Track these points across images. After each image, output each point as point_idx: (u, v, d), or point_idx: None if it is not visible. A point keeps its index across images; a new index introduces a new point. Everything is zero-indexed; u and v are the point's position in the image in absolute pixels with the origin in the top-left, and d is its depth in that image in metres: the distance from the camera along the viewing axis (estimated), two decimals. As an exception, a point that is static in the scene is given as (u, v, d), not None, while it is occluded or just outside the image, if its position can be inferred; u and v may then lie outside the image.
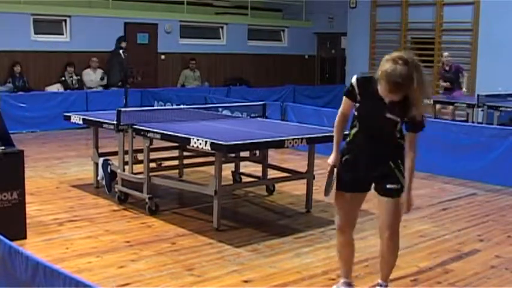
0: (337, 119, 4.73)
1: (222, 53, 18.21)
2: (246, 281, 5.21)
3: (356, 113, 4.59)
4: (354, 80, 4.51)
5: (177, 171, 8.78)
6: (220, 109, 10.30)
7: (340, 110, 4.70)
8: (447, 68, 13.95)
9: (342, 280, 4.92)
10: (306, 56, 20.53)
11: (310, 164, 7.42)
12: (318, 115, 11.39)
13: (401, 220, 4.77)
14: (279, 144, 7.04)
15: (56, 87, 14.85)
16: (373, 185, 4.72)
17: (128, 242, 6.14)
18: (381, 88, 4.22)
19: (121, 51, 14.60)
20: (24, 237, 6.07)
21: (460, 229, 6.87)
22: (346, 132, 4.77)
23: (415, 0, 16.98)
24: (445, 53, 14.25)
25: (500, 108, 11.68)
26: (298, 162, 9.35)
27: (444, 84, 14.13)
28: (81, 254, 5.77)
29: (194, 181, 8.23)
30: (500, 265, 5.75)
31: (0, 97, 12.71)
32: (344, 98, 4.61)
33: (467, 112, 12.84)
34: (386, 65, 4.15)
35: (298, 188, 8.08)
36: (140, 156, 7.75)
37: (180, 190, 8.13)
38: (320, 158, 9.77)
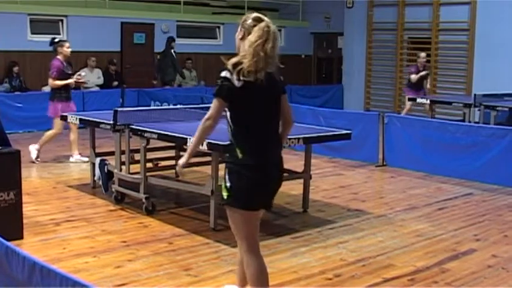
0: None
1: (219, 52, 18.10)
2: (242, 281, 5.21)
3: None
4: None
5: (173, 171, 8.75)
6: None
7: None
8: (421, 69, 13.97)
9: None
10: (303, 56, 20.53)
11: (307, 164, 7.42)
12: (314, 115, 11.40)
13: (238, 233, 4.29)
14: (276, 144, 7.02)
15: (53, 87, 14.81)
16: None
17: (125, 242, 6.14)
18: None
19: (172, 51, 15.75)
20: (21, 238, 6.07)
21: (456, 229, 6.88)
22: None
23: (411, 0, 17.00)
24: (422, 54, 14.25)
25: (497, 108, 11.69)
26: (295, 162, 9.33)
27: (415, 77, 14.04)
28: (78, 254, 5.76)
29: (191, 181, 8.21)
30: (497, 264, 5.76)
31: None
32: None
33: (464, 112, 12.85)
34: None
35: (295, 187, 8.08)
36: (137, 156, 7.74)
37: (177, 190, 8.13)
38: (317, 157, 9.83)
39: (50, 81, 9.94)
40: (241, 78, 4.05)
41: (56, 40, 10.34)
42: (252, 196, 4.14)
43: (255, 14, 4.29)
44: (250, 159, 4.10)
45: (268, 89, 4.14)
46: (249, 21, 4.25)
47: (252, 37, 4.11)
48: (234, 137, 4.18)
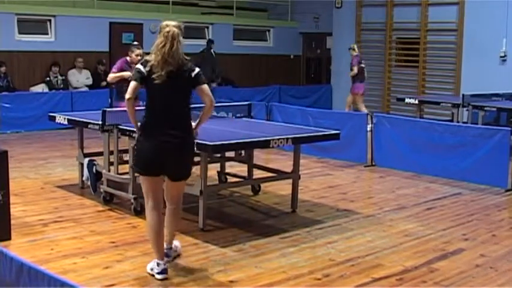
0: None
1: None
2: (231, 281, 5.21)
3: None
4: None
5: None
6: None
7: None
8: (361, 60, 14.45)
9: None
10: (292, 56, 20.54)
11: (296, 164, 7.42)
12: (303, 115, 11.41)
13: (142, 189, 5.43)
14: (265, 144, 7.03)
15: (41, 88, 14.77)
16: None
17: (113, 242, 6.12)
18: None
19: (212, 51, 16.65)
20: (9, 238, 6.04)
21: (445, 228, 6.90)
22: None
23: (400, 0, 17.03)
24: (355, 45, 14.88)
25: (485, 108, 11.74)
26: (284, 162, 9.36)
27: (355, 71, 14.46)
28: (66, 254, 5.74)
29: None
30: (485, 264, 5.79)
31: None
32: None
33: (452, 112, 12.89)
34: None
35: (284, 188, 8.09)
36: (125, 157, 7.73)
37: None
38: (305, 158, 9.84)
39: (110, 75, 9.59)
40: (147, 69, 5.16)
41: (134, 43, 10.28)
42: (141, 163, 5.31)
43: (166, 22, 5.26)
44: (144, 133, 5.25)
45: (169, 80, 5.11)
46: (161, 27, 5.25)
47: (157, 41, 5.21)
48: (144, 111, 5.31)
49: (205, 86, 5.27)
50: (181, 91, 5.24)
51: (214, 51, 16.90)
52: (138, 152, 5.35)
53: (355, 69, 14.52)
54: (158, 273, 5.20)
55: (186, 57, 5.26)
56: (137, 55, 9.35)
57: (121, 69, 9.34)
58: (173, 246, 5.67)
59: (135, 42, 10.72)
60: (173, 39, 5.13)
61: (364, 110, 13.76)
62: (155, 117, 5.21)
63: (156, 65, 5.11)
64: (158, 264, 5.22)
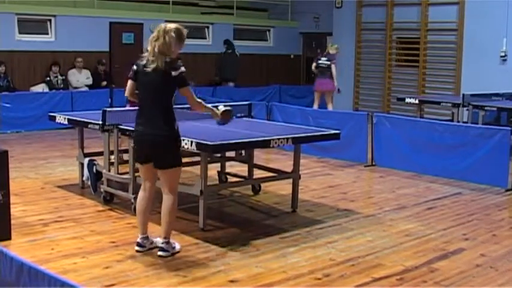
0: (200, 104, 5.84)
1: (208, 52, 18.18)
2: (232, 281, 5.21)
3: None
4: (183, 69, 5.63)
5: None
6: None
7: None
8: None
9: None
10: (292, 56, 20.53)
11: (296, 164, 7.41)
12: (303, 115, 11.41)
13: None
14: (265, 144, 7.03)
15: (41, 87, 14.77)
16: None
17: (114, 242, 6.12)
18: (182, 47, 5.69)
19: (236, 52, 17.60)
20: (9, 238, 6.04)
21: (445, 228, 6.90)
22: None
23: (400, 0, 17.03)
24: (336, 45, 14.95)
25: (485, 108, 11.73)
26: (284, 162, 9.36)
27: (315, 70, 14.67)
28: (66, 254, 5.74)
29: (180, 181, 8.19)
30: (485, 264, 5.79)
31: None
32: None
33: (452, 112, 12.89)
34: (172, 33, 5.49)
35: (284, 187, 8.09)
36: (126, 157, 7.73)
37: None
38: (306, 157, 9.83)
39: None
40: (142, 63, 5.54)
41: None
42: (135, 152, 6.03)
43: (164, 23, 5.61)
44: (135, 124, 5.74)
45: (154, 78, 5.47)
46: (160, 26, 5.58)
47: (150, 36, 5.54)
48: None
49: (186, 88, 5.61)
50: (162, 87, 5.55)
51: (238, 52, 17.79)
52: (133, 145, 6.08)
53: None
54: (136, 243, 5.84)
55: (176, 58, 5.60)
56: None
57: None
58: (155, 240, 5.90)
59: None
60: (165, 33, 5.44)
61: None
62: (140, 109, 5.69)
63: (149, 58, 5.48)
64: (138, 237, 5.86)
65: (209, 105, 6.04)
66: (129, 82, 5.74)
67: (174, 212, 5.83)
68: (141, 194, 5.93)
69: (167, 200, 5.76)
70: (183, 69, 5.58)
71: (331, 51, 14.77)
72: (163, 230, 5.77)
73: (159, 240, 5.84)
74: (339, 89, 14.94)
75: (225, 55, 17.90)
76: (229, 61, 17.81)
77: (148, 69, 5.48)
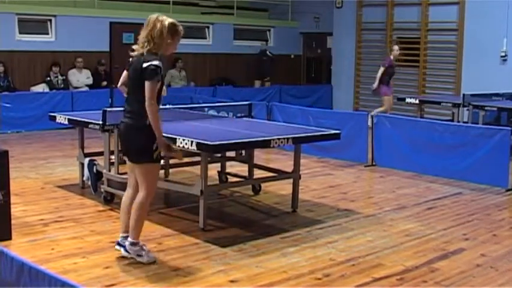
0: (155, 108, 5.27)
1: (208, 52, 18.18)
2: (232, 281, 5.21)
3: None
4: (160, 64, 5.26)
5: (162, 171, 8.75)
6: (206, 109, 10.29)
7: (154, 99, 5.28)
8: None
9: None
10: (292, 56, 20.52)
11: (296, 164, 7.42)
12: (303, 115, 11.41)
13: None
14: (265, 144, 7.03)
15: (41, 87, 14.77)
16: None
17: (114, 242, 6.10)
18: (175, 45, 5.45)
19: (267, 52, 18.29)
20: (9, 238, 6.04)
21: (445, 228, 6.90)
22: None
23: (400, 0, 17.02)
24: (396, 47, 14.45)
25: (486, 108, 11.73)
26: (284, 162, 9.37)
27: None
28: (66, 254, 5.74)
29: (180, 181, 8.20)
30: (486, 263, 5.79)
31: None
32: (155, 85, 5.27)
33: (452, 112, 12.89)
34: (167, 22, 5.36)
35: (284, 187, 8.09)
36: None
37: (166, 190, 8.10)
38: (306, 157, 9.84)
39: None
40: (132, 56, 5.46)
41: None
42: None
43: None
44: None
45: (132, 67, 5.40)
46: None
47: None
48: None
49: (148, 83, 5.21)
50: (135, 79, 5.37)
51: (270, 52, 18.46)
52: None
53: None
54: None
55: (155, 52, 5.31)
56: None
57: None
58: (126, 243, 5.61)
59: None
60: (157, 21, 5.35)
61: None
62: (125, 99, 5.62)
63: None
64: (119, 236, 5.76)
65: (160, 127, 5.35)
66: (124, 72, 5.73)
67: (142, 212, 5.47)
68: (126, 190, 5.78)
69: (137, 197, 5.50)
70: (155, 62, 5.22)
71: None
72: (130, 228, 5.53)
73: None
74: (375, 89, 14.53)
75: (260, 56, 18.49)
76: (262, 62, 18.38)
77: (133, 59, 5.43)
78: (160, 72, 5.27)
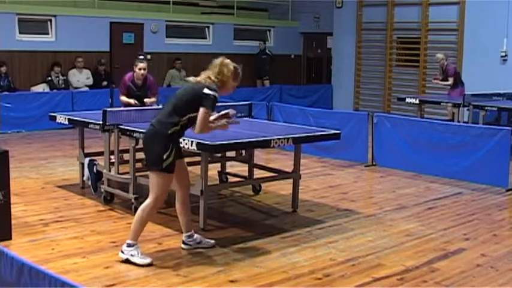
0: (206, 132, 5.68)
1: (208, 52, 18.14)
2: (232, 281, 5.21)
3: (191, 115, 5.56)
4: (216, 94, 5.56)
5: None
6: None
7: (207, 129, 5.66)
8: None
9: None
10: (292, 56, 20.53)
11: (296, 164, 7.41)
12: (304, 115, 11.41)
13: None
14: (265, 144, 7.03)
15: (42, 87, 14.78)
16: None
17: (114, 242, 6.12)
18: (232, 85, 5.81)
19: (267, 51, 18.50)
20: (10, 238, 6.04)
21: (446, 228, 6.90)
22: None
23: (401, 0, 17.03)
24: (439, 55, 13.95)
25: (486, 108, 11.72)
26: (284, 162, 9.37)
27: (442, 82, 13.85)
28: (66, 254, 5.74)
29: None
30: (486, 263, 5.79)
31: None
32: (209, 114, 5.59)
33: (453, 112, 12.89)
34: (231, 66, 5.80)
35: (285, 187, 8.09)
36: (126, 157, 7.73)
37: (166, 190, 8.10)
38: (306, 157, 9.84)
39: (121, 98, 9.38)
40: None
41: (140, 56, 10.10)
42: None
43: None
44: None
45: (184, 89, 5.85)
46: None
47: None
48: None
49: (203, 109, 5.50)
50: (183, 95, 5.74)
51: (269, 51, 18.65)
52: None
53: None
54: None
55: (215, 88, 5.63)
56: (140, 69, 9.24)
57: (127, 90, 9.20)
58: (198, 237, 6.04)
59: (141, 56, 10.42)
60: (215, 64, 5.96)
61: None
62: None
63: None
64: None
65: (217, 127, 5.89)
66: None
67: (145, 216, 5.58)
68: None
69: (145, 202, 5.63)
70: (217, 95, 5.61)
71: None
72: (131, 230, 5.64)
73: (197, 238, 6.01)
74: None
75: (259, 53, 18.66)
76: (264, 60, 18.58)
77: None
78: (215, 106, 5.61)
